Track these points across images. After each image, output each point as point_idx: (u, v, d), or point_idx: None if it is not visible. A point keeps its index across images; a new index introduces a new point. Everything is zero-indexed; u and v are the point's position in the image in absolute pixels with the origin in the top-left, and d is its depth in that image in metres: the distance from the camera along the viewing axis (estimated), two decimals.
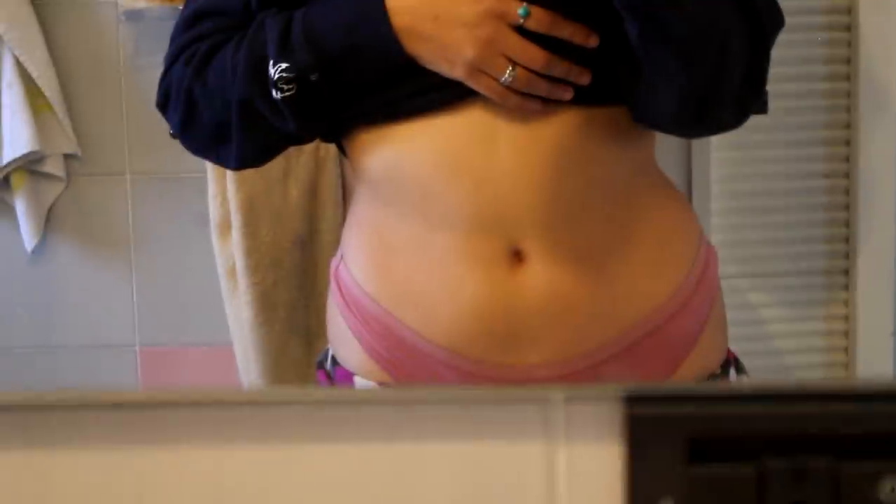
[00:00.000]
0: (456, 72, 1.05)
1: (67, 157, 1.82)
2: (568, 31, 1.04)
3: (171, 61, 1.16)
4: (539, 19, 1.03)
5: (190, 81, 1.12)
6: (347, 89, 1.07)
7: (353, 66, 1.06)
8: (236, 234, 1.66)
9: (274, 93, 1.06)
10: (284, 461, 0.75)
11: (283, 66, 1.05)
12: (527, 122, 1.06)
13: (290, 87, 1.06)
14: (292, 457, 0.75)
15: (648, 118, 1.09)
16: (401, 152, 1.09)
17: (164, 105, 1.16)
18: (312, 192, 1.67)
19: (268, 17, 1.09)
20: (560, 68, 1.05)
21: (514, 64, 1.03)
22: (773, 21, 1.09)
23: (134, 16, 1.76)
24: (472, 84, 1.05)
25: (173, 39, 1.17)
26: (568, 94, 1.05)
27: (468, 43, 1.03)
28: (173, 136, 1.19)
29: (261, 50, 1.07)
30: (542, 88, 1.05)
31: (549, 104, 1.06)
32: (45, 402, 0.70)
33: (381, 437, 0.74)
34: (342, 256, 1.17)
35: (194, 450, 0.75)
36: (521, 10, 1.03)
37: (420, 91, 1.07)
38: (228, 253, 1.69)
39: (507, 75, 1.03)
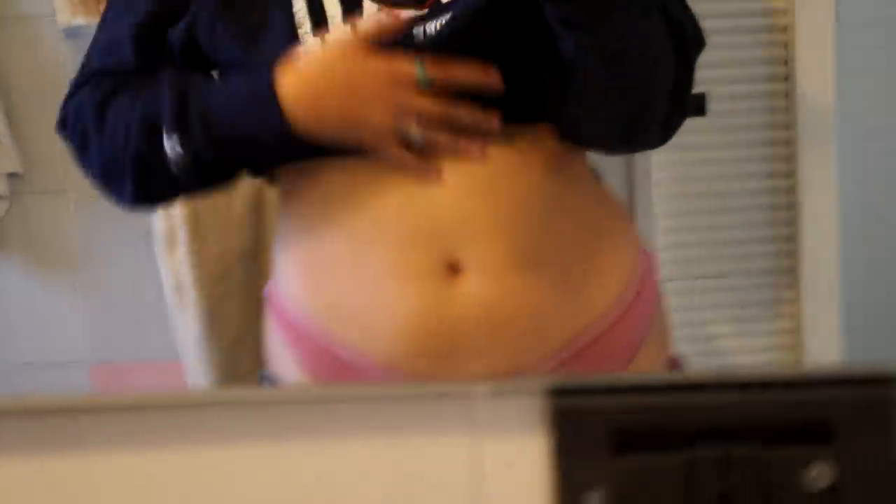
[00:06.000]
0: (364, 141, 1.04)
1: (11, 175, 1.81)
2: (466, 75, 1.04)
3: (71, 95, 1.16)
4: (436, 73, 1.03)
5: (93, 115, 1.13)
6: (247, 165, 1.09)
7: (249, 152, 1.07)
8: (182, 249, 1.66)
9: (173, 168, 1.07)
10: (212, 462, 0.74)
11: (179, 146, 1.05)
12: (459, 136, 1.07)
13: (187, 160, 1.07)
14: (221, 458, 0.75)
15: (576, 137, 1.10)
16: (329, 173, 1.09)
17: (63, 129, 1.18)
18: (257, 205, 1.67)
19: (165, 84, 1.09)
20: (467, 118, 1.05)
21: (421, 121, 1.04)
22: (697, 42, 1.10)
23: (73, 33, 1.75)
24: (379, 151, 1.05)
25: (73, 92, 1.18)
26: (476, 152, 1.06)
27: (373, 112, 1.03)
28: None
29: (155, 119, 1.07)
30: (451, 145, 1.05)
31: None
32: None
33: (309, 436, 0.74)
34: (276, 278, 1.17)
35: (122, 454, 0.75)
36: (417, 72, 1.02)
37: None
38: (175, 267, 1.68)
39: (415, 134, 1.04)
